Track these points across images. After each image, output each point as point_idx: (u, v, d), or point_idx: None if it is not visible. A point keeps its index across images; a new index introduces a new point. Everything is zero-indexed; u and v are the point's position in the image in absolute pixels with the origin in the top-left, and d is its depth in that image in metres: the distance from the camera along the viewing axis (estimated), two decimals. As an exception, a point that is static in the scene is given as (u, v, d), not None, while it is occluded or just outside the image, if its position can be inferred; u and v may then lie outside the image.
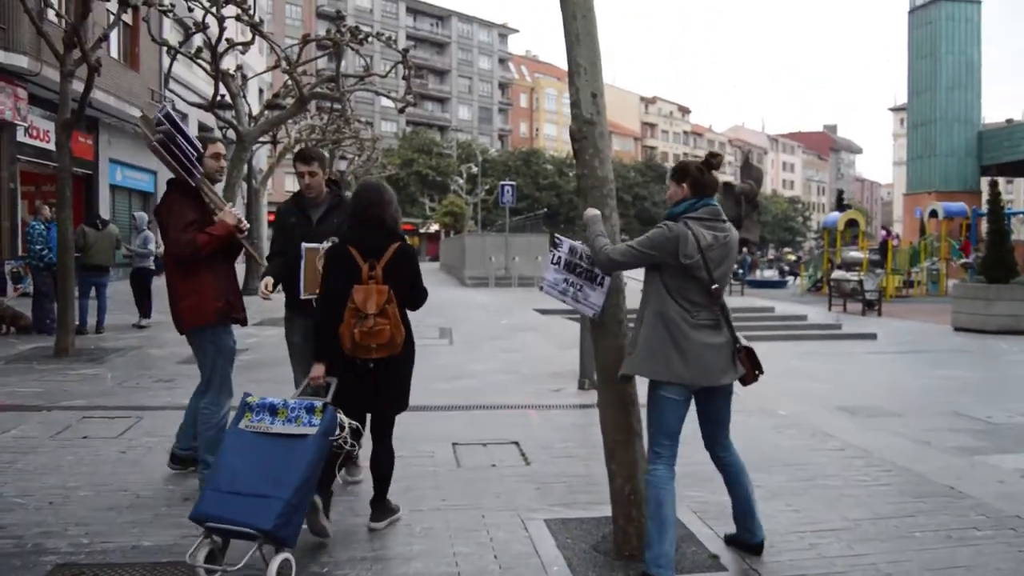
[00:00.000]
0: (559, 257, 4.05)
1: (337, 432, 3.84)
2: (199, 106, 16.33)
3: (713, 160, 3.92)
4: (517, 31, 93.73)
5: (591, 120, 4.05)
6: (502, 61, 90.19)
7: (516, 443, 6.07)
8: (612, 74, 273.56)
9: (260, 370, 9.00)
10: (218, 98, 15.85)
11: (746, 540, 4.04)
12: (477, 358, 10.47)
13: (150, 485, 4.95)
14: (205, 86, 23.53)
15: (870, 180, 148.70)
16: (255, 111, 20.21)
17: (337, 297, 4.06)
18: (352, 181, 40.25)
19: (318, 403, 3.80)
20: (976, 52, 49.09)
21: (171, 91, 20.91)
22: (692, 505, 4.70)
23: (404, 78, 15.18)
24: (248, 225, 4.81)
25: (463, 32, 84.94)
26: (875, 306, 22.18)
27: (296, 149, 24.86)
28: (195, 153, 4.58)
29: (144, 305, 13.11)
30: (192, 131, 4.92)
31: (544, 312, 17.25)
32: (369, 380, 4.15)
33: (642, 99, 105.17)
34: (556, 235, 4.17)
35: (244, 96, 18.17)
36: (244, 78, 19.71)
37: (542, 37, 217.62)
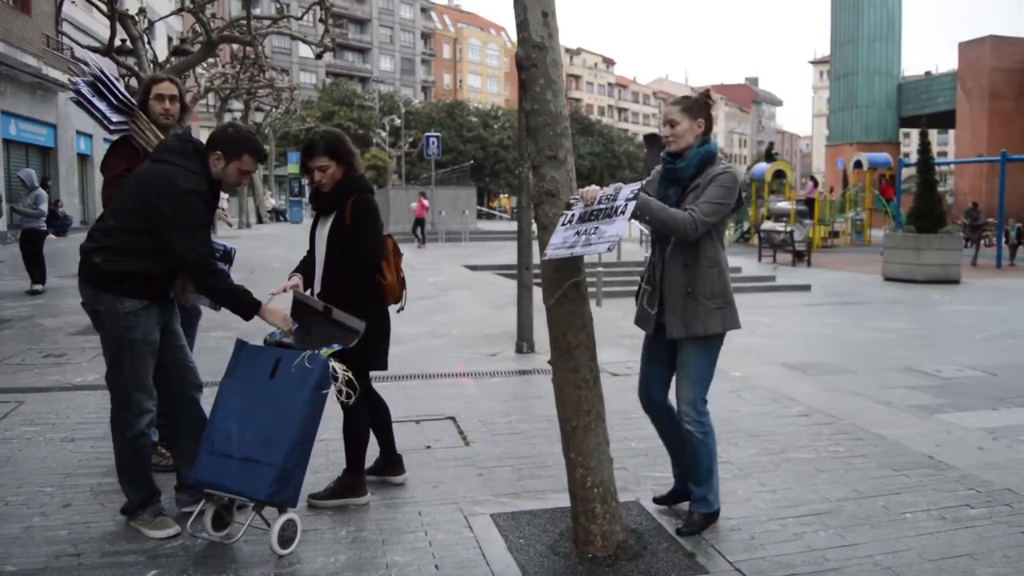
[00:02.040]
0: (572, 215, 3.33)
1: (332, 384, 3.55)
2: (94, 50, 14.94)
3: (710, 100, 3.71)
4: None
5: (541, 44, 3.35)
6: (424, 11, 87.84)
7: (452, 419, 5.43)
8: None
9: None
10: (116, 42, 14.51)
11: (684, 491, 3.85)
12: (405, 320, 9.68)
13: (23, 488, 4.15)
14: (106, 31, 21.88)
15: (790, 132, 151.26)
16: (162, 59, 18.79)
17: None
18: (270, 134, 38.60)
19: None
20: (897, 5, 49.64)
21: (66, 35, 19.25)
22: (656, 488, 4.15)
23: (321, 20, 14.10)
24: None
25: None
26: (804, 257, 22.22)
27: (205, 95, 23.42)
28: (117, 101, 4.10)
29: (36, 269, 11.95)
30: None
31: (474, 268, 16.62)
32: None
33: (567, 50, 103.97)
34: (573, 196, 3.39)
35: (149, 42, 16.79)
36: (150, 23, 18.25)
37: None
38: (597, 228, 3.21)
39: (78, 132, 28.01)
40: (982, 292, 16.36)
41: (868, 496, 4.07)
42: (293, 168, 39.33)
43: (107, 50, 14.03)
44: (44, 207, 12.11)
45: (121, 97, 4.12)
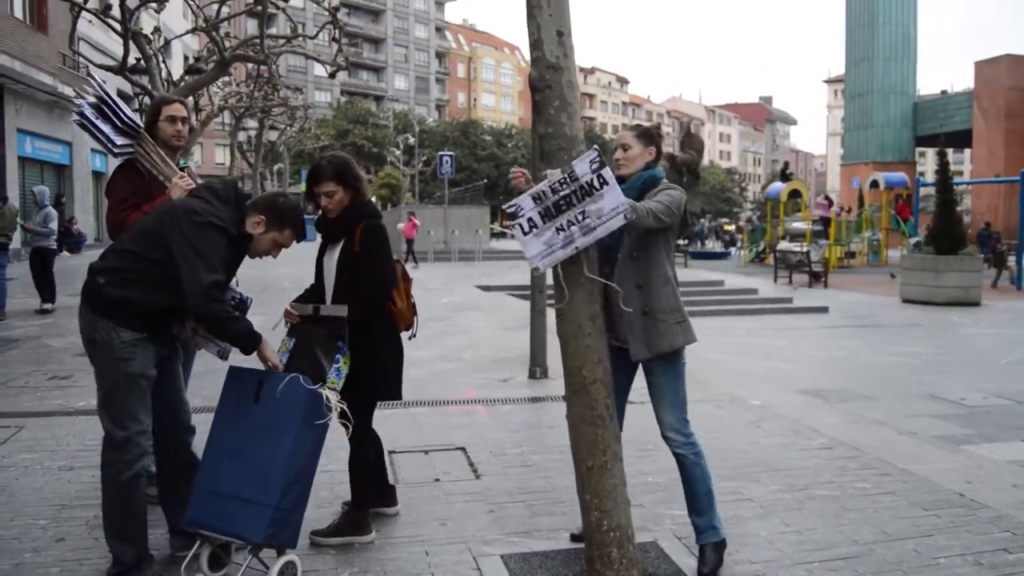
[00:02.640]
0: (529, 219, 3.18)
1: (326, 415, 3.38)
2: (108, 68, 14.95)
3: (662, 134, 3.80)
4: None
5: (556, 64, 3.21)
6: (439, 30, 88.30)
7: (463, 449, 5.26)
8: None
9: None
10: (130, 61, 14.50)
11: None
12: (416, 343, 9.48)
13: (16, 521, 4.00)
14: (120, 49, 21.99)
15: (804, 151, 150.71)
16: (176, 77, 18.83)
17: None
18: (284, 152, 38.74)
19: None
20: (912, 23, 49.38)
21: (81, 54, 19.33)
22: (674, 527, 3.96)
23: (335, 39, 14.05)
24: None
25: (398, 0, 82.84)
26: (821, 277, 21.92)
27: (218, 114, 23.42)
28: (122, 123, 3.93)
29: (46, 288, 11.87)
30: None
31: (486, 289, 16.45)
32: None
33: (581, 69, 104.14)
34: (507, 205, 3.32)
35: (164, 60, 16.80)
36: (165, 41, 18.29)
37: (479, 6, 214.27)
38: (584, 212, 3.08)
39: (93, 150, 28.14)
40: (1003, 315, 16.05)
41: (898, 538, 3.86)
42: (302, 187, 39.43)
43: (120, 69, 14.02)
44: (53, 225, 12.05)
45: (126, 119, 4.00)
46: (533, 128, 3.34)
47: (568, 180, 3.12)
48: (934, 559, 3.64)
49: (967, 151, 52.87)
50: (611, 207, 3.06)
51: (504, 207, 3.34)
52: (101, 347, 3.22)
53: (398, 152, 52.56)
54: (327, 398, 3.38)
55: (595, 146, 3.12)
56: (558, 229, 3.14)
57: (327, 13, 14.52)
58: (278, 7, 13.86)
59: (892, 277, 23.25)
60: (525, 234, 3.19)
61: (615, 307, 3.44)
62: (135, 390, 3.23)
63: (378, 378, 3.75)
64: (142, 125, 4.07)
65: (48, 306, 11.79)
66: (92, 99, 4.03)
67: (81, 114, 3.95)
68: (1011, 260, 22.63)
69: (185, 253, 3.15)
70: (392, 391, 3.90)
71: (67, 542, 3.74)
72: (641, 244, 3.44)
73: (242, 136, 29.81)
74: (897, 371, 9.78)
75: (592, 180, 3.08)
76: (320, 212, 3.85)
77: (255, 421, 3.28)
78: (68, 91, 22.36)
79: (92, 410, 6.00)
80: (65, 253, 14.35)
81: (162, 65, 15.67)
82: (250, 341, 3.28)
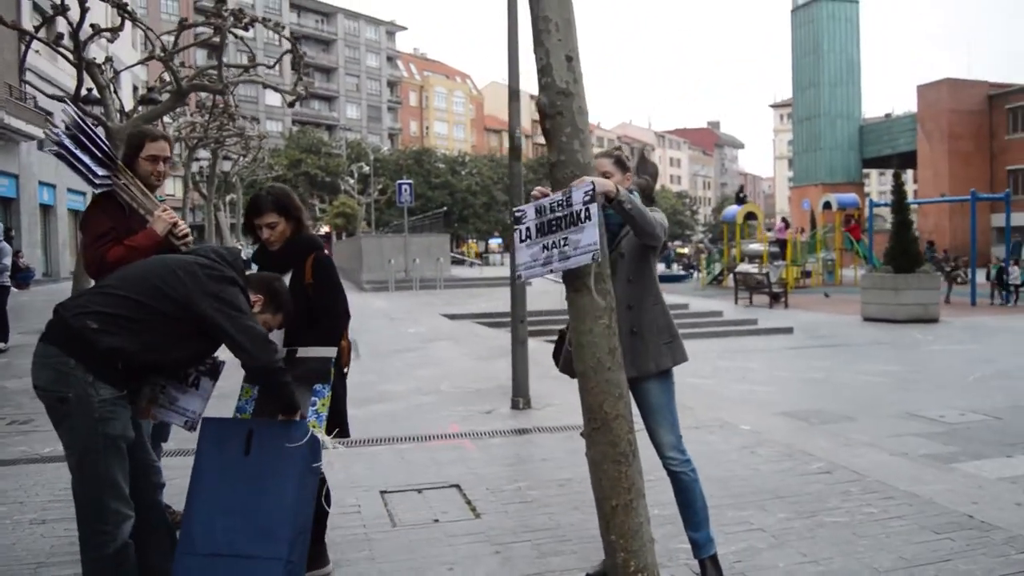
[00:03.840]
0: (527, 229, 3.18)
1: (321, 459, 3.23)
2: (59, 99, 14.55)
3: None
4: (405, 28, 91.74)
5: (566, 91, 3.11)
6: (390, 59, 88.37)
7: (457, 486, 5.08)
8: (500, 72, 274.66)
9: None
10: (83, 91, 14.13)
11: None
12: (390, 376, 9.41)
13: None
14: (69, 80, 21.48)
15: (752, 174, 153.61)
16: (128, 107, 18.39)
17: None
18: (237, 183, 38.18)
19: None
20: (856, 50, 50.88)
21: (30, 84, 18.82)
22: (689, 563, 3.84)
23: (293, 68, 13.86)
24: (187, 230, 3.71)
25: (349, 29, 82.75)
26: (781, 298, 22.19)
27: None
28: (100, 153, 3.66)
29: (0, 327, 11.41)
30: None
31: (453, 317, 16.26)
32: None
33: (532, 97, 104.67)
34: (514, 208, 3.27)
35: (116, 91, 16.43)
36: (115, 72, 17.88)
37: (430, 35, 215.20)
38: (566, 239, 3.03)
39: (41, 183, 27.44)
40: (962, 331, 16.36)
41: (917, 564, 3.78)
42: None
43: (74, 99, 13.63)
44: (7, 261, 11.60)
45: (104, 148, 3.77)
46: (548, 151, 3.22)
47: (564, 203, 3.05)
48: (957, 586, 3.57)
49: (909, 172, 54.33)
50: (586, 243, 2.99)
51: (515, 210, 3.25)
52: (77, 406, 2.83)
53: (352, 181, 52.17)
54: (323, 443, 3.23)
55: (591, 180, 3.01)
56: (543, 247, 3.13)
57: (278, 43, 14.35)
58: (236, 36, 13.62)
59: (826, 296, 23.73)
60: (521, 242, 3.21)
61: None
62: (114, 454, 2.89)
63: (331, 415, 3.55)
64: (118, 156, 3.86)
65: (2, 345, 11.32)
66: (69, 129, 3.80)
67: (60, 144, 3.69)
68: (965, 275, 23.15)
69: (222, 309, 2.96)
70: (343, 428, 3.74)
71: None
72: (638, 268, 3.47)
73: (195, 167, 29.30)
74: (871, 390, 9.84)
75: (580, 211, 3.01)
76: (258, 245, 3.74)
77: (248, 474, 3.08)
78: (16, 123, 21.76)
79: (58, 457, 5.72)
80: (13, 288, 13.88)
81: (115, 96, 15.31)
82: (295, 396, 3.12)
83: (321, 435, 3.23)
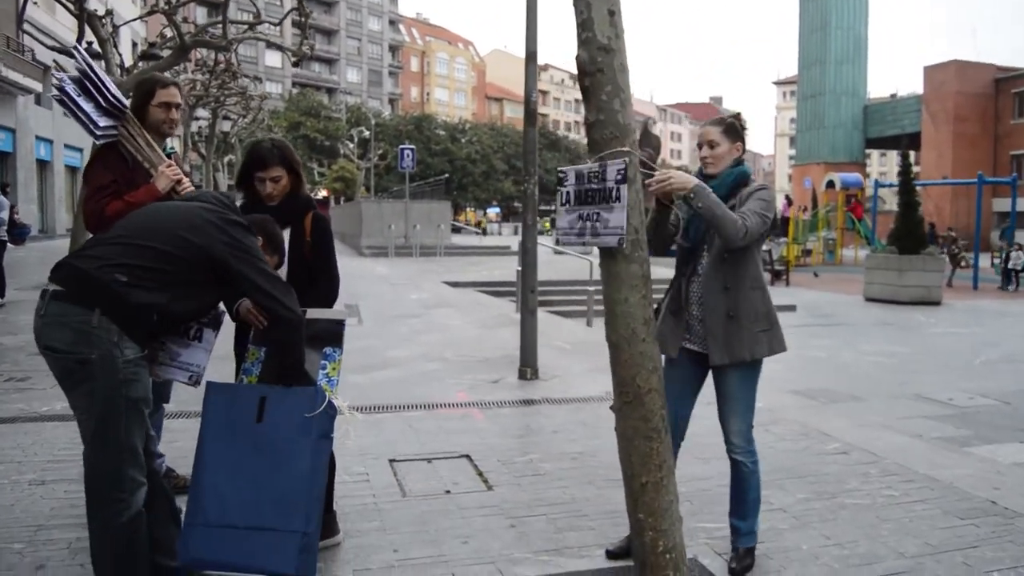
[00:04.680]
0: (567, 193, 3.07)
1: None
2: (60, 51, 14.25)
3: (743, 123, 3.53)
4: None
5: (608, 46, 2.93)
6: (392, 23, 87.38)
7: (467, 456, 4.97)
8: (504, 40, 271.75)
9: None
10: (83, 44, 13.84)
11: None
12: (393, 342, 9.28)
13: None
14: (68, 33, 21.12)
15: (753, 151, 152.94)
16: (128, 63, 18.07)
17: None
18: (236, 143, 37.79)
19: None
20: (863, 28, 50.34)
21: (30, 34, 18.46)
22: (710, 542, 3.74)
23: (299, 25, 13.57)
24: (191, 187, 3.56)
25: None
26: (783, 276, 22.09)
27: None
28: (106, 102, 3.46)
29: (-5, 281, 11.24)
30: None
31: (454, 285, 16.13)
32: None
33: (546, 66, 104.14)
34: (560, 169, 3.14)
35: (116, 45, 16.11)
36: (114, 26, 17.54)
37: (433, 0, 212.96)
38: (599, 215, 2.91)
39: (38, 137, 27.06)
40: (965, 314, 16.27)
41: (944, 551, 3.68)
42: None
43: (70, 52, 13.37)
44: (4, 215, 11.41)
45: (111, 97, 3.59)
46: (584, 116, 3.07)
47: (600, 175, 2.91)
48: (987, 573, 3.47)
49: (912, 154, 54.07)
50: (614, 225, 2.86)
51: (560, 170, 3.12)
52: (100, 367, 2.64)
53: (352, 145, 51.70)
54: (340, 409, 3.10)
55: (624, 159, 2.86)
56: (580, 216, 3.01)
57: (279, 3, 14.05)
58: (241, -8, 13.32)
59: (815, 276, 23.64)
60: (562, 205, 3.09)
61: (692, 306, 3.34)
62: (136, 418, 2.73)
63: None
64: (127, 105, 3.69)
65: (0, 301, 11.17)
66: (75, 73, 3.62)
67: (61, 90, 3.50)
68: (969, 257, 23.04)
69: (244, 256, 2.83)
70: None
71: (48, 569, 3.36)
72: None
73: (193, 126, 28.96)
74: (878, 371, 9.75)
75: (612, 189, 2.87)
76: (247, 200, 3.57)
77: (261, 442, 2.92)
78: (13, 75, 21.39)
79: (58, 416, 5.64)
80: (9, 244, 13.67)
81: (115, 51, 15.01)
82: (303, 361, 3.01)
83: (337, 401, 3.09)
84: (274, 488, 2.85)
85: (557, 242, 3.39)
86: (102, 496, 2.73)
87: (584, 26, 2.96)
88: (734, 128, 3.41)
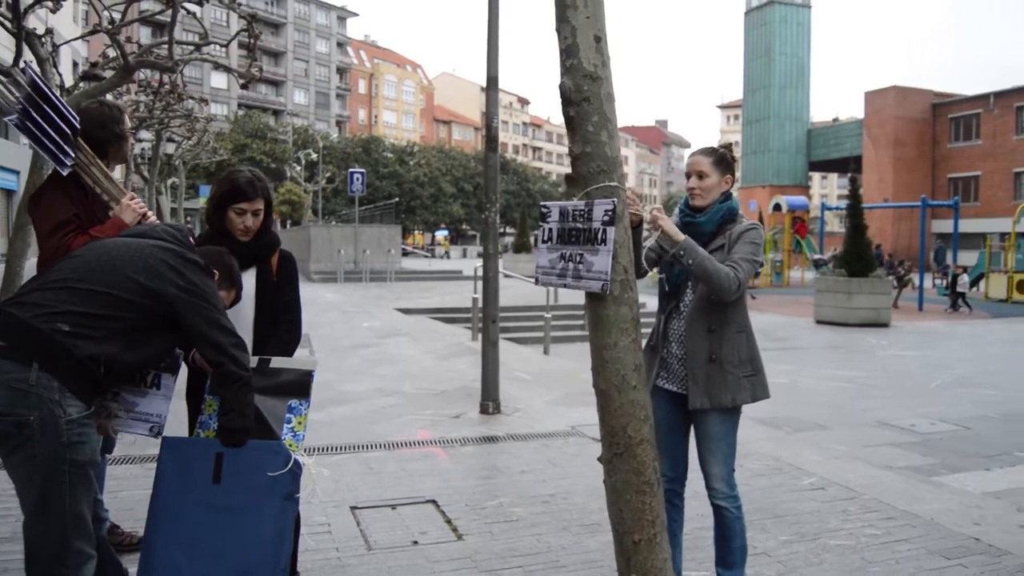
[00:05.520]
0: (550, 230, 2.89)
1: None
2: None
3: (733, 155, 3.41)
4: (356, 15, 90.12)
5: (594, 74, 2.77)
6: (340, 45, 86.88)
7: (434, 502, 4.72)
8: (452, 63, 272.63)
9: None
10: (21, 64, 13.31)
11: None
12: (348, 375, 8.97)
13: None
14: (4, 52, 20.43)
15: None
16: (68, 84, 17.46)
17: None
18: (180, 166, 36.97)
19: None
20: (806, 53, 51.57)
21: (-40, 56, 17.76)
22: (696, 594, 3.55)
23: (247, 47, 13.24)
24: (156, 221, 3.24)
25: (300, 13, 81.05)
26: (734, 299, 22.20)
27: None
28: (69, 129, 3.10)
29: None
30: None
31: (407, 312, 15.85)
32: None
33: (482, 89, 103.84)
34: (543, 204, 2.97)
35: (56, 65, 15.56)
36: (54, 45, 16.96)
37: (381, 22, 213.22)
38: (582, 256, 2.75)
39: (-30, 161, 26.09)
40: (914, 336, 16.50)
41: (936, 597, 3.56)
42: (204, 201, 37.70)
43: (10, 72, 12.82)
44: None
45: (69, 120, 3.22)
46: (569, 149, 2.89)
47: (585, 214, 2.74)
48: (983, 622, 3.35)
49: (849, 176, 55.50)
50: (598, 269, 2.69)
51: (544, 205, 2.96)
52: (41, 429, 2.36)
53: (299, 168, 51.04)
54: (305, 466, 2.85)
55: (613, 199, 2.69)
56: (562, 256, 2.84)
57: (225, 24, 13.67)
58: (188, 11, 12.94)
59: (752, 298, 23.90)
60: (543, 242, 2.93)
61: (672, 344, 3.21)
62: (83, 484, 2.45)
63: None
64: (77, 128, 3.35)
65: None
66: (24, 91, 3.12)
67: (24, 112, 3.04)
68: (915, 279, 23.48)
69: (194, 302, 2.56)
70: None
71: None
72: None
73: (137, 148, 28.21)
74: (839, 397, 9.74)
75: (599, 230, 2.70)
76: (208, 235, 3.30)
77: (219, 504, 2.67)
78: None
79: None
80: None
81: (55, 71, 14.47)
82: (251, 418, 2.72)
83: (303, 457, 2.84)
84: (234, 558, 2.59)
85: (536, 281, 3.26)
86: (45, 573, 2.43)
87: (569, 52, 2.80)
88: (725, 160, 3.28)
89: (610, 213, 2.68)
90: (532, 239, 38.92)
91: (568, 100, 2.80)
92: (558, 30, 2.82)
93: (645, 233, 3.21)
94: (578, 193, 2.80)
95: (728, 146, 3.36)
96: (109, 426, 2.89)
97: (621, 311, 2.73)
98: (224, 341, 2.63)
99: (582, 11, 2.77)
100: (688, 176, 3.29)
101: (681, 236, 3.02)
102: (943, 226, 38.68)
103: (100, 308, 2.47)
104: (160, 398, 2.99)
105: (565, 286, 2.83)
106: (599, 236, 2.70)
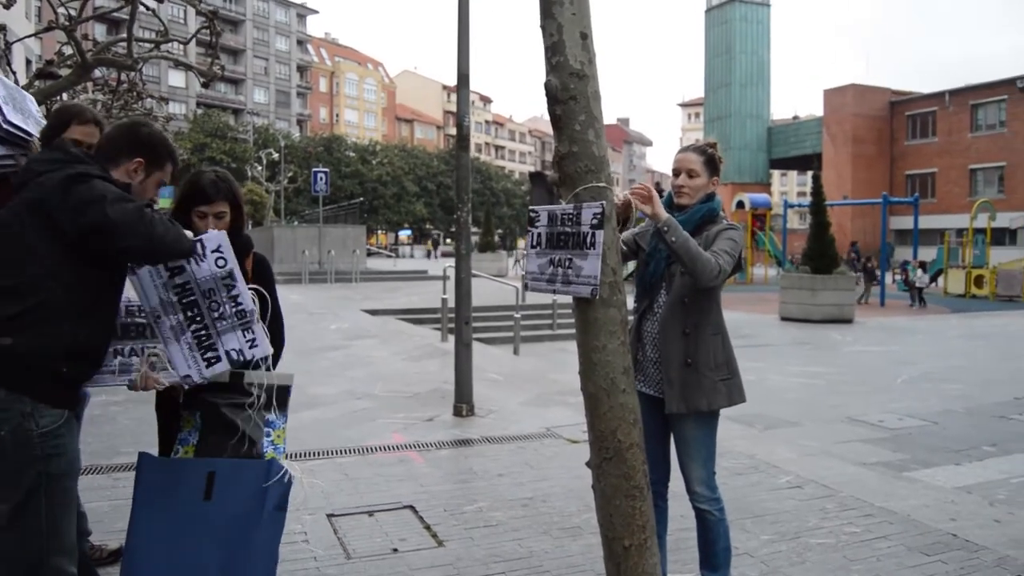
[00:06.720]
0: (539, 235, 2.82)
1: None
2: (-54, 70, 13.27)
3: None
4: (316, 12, 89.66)
5: (581, 72, 2.71)
6: (300, 43, 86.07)
7: (411, 508, 4.64)
8: (414, 62, 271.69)
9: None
10: (-29, 63, 12.93)
11: None
12: (318, 378, 8.83)
13: None
14: (-46, 51, 19.82)
15: (660, 171, 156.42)
16: (23, 82, 17.04)
17: None
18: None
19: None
20: (766, 52, 52.14)
21: (-92, 54, 17.22)
22: (681, 597, 3.52)
23: (209, 44, 13.00)
24: None
25: (259, 10, 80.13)
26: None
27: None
28: (9, 125, 2.88)
29: None
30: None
31: (374, 313, 15.69)
32: None
33: (444, 87, 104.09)
34: (532, 208, 2.89)
35: (9, 63, 15.16)
36: (7, 43, 16.53)
37: (342, 20, 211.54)
38: (571, 261, 2.70)
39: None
40: (878, 331, 16.74)
41: (919, 594, 3.57)
42: (165, 202, 37.07)
43: (-39, 72, 12.47)
44: None
45: (11, 120, 3.08)
46: (555, 149, 2.83)
47: (574, 218, 2.68)
48: (966, 619, 3.36)
49: (809, 173, 56.30)
50: (587, 273, 2.64)
51: (532, 210, 2.88)
52: (13, 448, 2.22)
53: (260, 168, 50.45)
54: (293, 475, 2.79)
55: (601, 203, 2.64)
56: (551, 261, 2.78)
57: (183, 22, 13.40)
58: (147, 7, 12.66)
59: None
60: (532, 247, 2.86)
61: (646, 346, 3.16)
62: (61, 498, 2.32)
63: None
64: (33, 132, 3.20)
65: None
66: None
67: None
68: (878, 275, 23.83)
69: (85, 210, 2.28)
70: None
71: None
72: (696, 289, 3.06)
73: (93, 148, 27.60)
74: (807, 393, 9.82)
75: (587, 234, 2.65)
76: None
77: (210, 522, 2.59)
78: None
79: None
80: None
81: (9, 69, 14.09)
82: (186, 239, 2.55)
83: (289, 465, 2.77)
84: (226, 573, 2.51)
85: (525, 287, 3.23)
86: None
87: (555, 50, 2.74)
88: (714, 160, 3.23)
89: (599, 216, 2.63)
90: (495, 237, 38.84)
91: (554, 98, 2.75)
92: (543, 27, 2.77)
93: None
94: (567, 194, 2.75)
95: (714, 145, 3.31)
96: (151, 379, 2.73)
97: (610, 313, 2.69)
98: (130, 215, 2.35)
99: (568, 7, 2.72)
100: (676, 173, 3.24)
101: (665, 214, 2.94)
102: (901, 223, 39.36)
103: (26, 299, 2.28)
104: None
105: (555, 292, 2.77)
106: (588, 240, 2.65)
